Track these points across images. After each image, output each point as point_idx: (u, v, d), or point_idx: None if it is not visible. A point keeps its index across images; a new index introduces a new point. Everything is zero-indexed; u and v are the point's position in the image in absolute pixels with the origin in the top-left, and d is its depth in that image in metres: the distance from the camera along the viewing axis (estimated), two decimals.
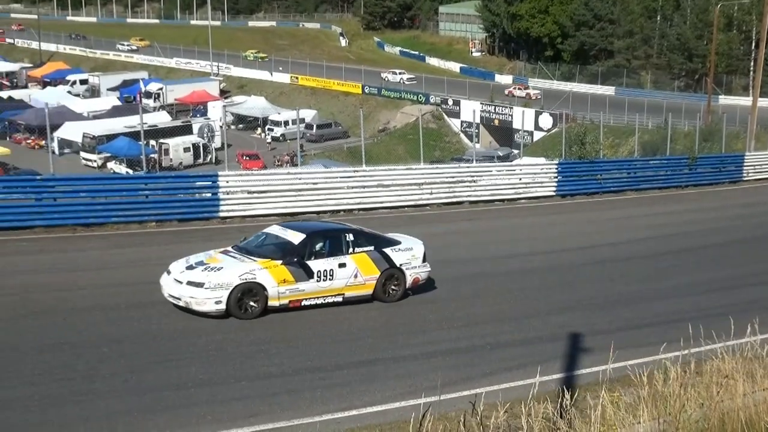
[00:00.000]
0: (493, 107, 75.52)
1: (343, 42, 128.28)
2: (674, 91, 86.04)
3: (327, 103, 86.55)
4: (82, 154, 60.25)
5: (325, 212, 25.23)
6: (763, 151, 39.40)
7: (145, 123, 45.56)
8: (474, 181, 28.76)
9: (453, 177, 28.55)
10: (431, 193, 27.46)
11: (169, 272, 15.21)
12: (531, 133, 69.74)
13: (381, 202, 26.53)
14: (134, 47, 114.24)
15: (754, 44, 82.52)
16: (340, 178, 27.09)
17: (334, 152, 65.82)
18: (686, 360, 8.82)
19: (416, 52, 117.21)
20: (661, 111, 57.44)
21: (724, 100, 77.80)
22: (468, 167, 30.35)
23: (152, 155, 56.50)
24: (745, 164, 36.82)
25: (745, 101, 63.68)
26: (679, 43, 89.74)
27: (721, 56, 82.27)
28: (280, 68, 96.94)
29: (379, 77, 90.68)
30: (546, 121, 70.80)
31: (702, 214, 29.26)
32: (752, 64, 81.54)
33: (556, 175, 30.66)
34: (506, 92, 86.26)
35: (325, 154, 63.12)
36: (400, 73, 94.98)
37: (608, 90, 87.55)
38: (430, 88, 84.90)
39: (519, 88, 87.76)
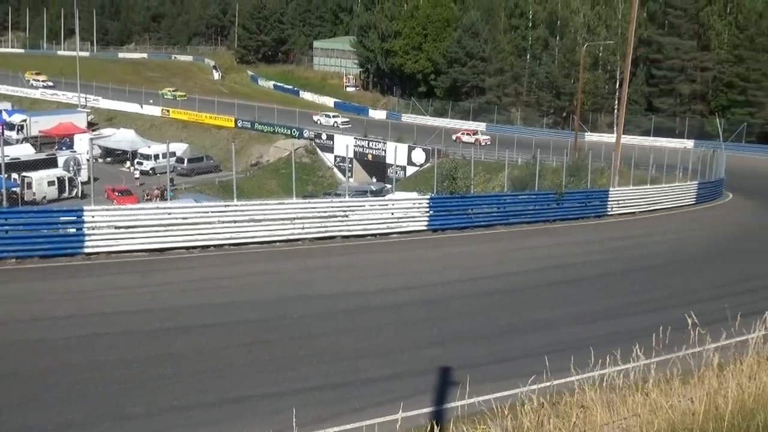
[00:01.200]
0: (366, 142, 76.05)
1: (217, 75, 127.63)
2: (543, 128, 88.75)
3: (199, 137, 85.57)
4: None
5: (195, 247, 24.89)
6: (626, 186, 40.81)
7: (7, 156, 44.03)
8: (346, 216, 28.82)
9: (325, 211, 28.54)
10: (303, 228, 27.39)
11: None
12: (404, 168, 70.60)
13: (252, 237, 26.28)
14: (50, 83, 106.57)
15: (618, 83, 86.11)
16: (211, 212, 26.78)
17: (206, 186, 65.10)
18: (550, 391, 9.03)
19: (290, 87, 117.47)
20: (531, 147, 58.98)
21: (590, 136, 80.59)
22: (340, 202, 30.40)
23: (14, 189, 54.61)
24: (609, 199, 38.07)
25: (610, 138, 66.16)
26: (547, 81, 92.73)
27: (588, 95, 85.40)
28: (151, 101, 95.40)
29: (250, 111, 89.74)
30: (419, 156, 71.72)
31: (569, 248, 30.05)
32: (616, 102, 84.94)
33: (427, 209, 31.00)
34: (454, 138, 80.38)
35: (196, 189, 62.27)
36: (333, 116, 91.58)
37: (480, 126, 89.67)
38: (304, 123, 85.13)
39: (467, 133, 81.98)
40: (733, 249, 31.73)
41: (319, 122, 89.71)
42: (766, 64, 79.46)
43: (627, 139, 55.83)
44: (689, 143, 75.76)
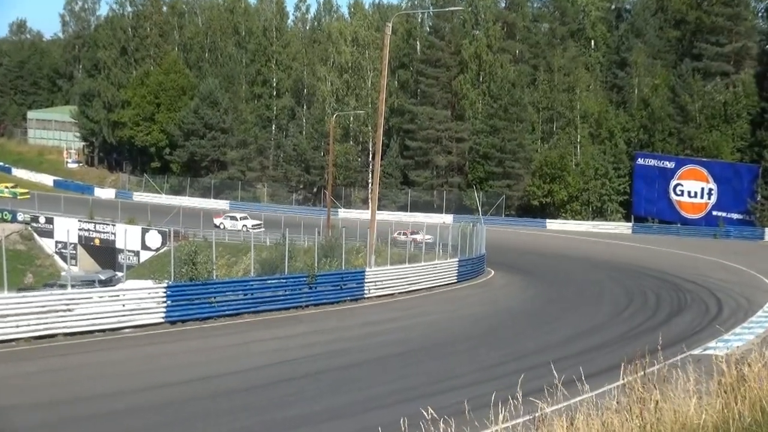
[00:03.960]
0: (93, 225, 74.06)
1: None
2: (292, 205, 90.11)
3: None
4: None
5: None
6: (383, 266, 41.79)
7: None
8: (70, 310, 27.76)
9: (44, 306, 27.35)
10: (17, 327, 26.09)
11: None
12: (137, 253, 69.25)
13: None
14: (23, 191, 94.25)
15: (371, 155, 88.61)
16: None
17: None
18: None
19: (1, 163, 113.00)
20: (279, 225, 59.40)
21: (344, 213, 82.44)
22: (62, 294, 29.24)
23: None
24: (366, 280, 38.78)
25: (365, 214, 67.76)
26: (296, 154, 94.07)
27: (339, 168, 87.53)
28: None
29: None
30: (154, 239, 70.56)
31: (323, 336, 30.30)
32: (370, 175, 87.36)
33: (164, 299, 30.42)
34: (390, 238, 65.34)
35: None
36: (242, 218, 78.69)
37: (223, 204, 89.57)
38: (17, 205, 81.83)
39: (404, 233, 63.50)
40: (492, 329, 33.00)
41: (222, 227, 77.08)
42: (521, 134, 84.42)
43: (383, 215, 57.48)
44: (448, 218, 78.92)
